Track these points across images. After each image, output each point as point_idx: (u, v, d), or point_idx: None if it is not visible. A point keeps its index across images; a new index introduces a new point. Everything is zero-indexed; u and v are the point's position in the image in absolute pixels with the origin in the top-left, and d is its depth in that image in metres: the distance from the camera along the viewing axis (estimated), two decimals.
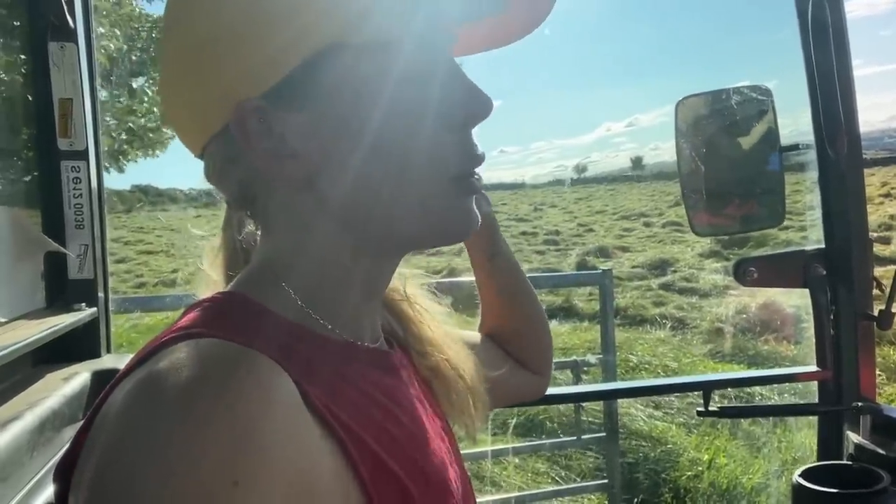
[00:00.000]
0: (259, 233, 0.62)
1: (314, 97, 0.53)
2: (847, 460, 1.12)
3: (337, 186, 0.55)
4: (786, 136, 1.17)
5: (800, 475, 1.02)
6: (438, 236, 0.60)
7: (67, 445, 0.48)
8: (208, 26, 0.54)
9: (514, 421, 4.15)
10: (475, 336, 0.95)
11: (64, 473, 0.46)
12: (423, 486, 0.54)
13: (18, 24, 1.26)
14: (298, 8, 0.51)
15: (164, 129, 9.12)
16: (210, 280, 0.66)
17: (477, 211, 0.60)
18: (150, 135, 9.03)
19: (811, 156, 1.19)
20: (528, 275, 1.01)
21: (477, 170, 0.59)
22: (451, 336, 0.76)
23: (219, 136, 0.56)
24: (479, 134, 0.60)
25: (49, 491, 0.85)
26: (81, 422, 0.49)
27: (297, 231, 0.58)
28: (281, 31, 0.51)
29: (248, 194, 0.59)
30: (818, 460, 1.18)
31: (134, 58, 8.73)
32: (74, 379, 1.11)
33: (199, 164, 0.61)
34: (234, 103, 0.53)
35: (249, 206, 0.60)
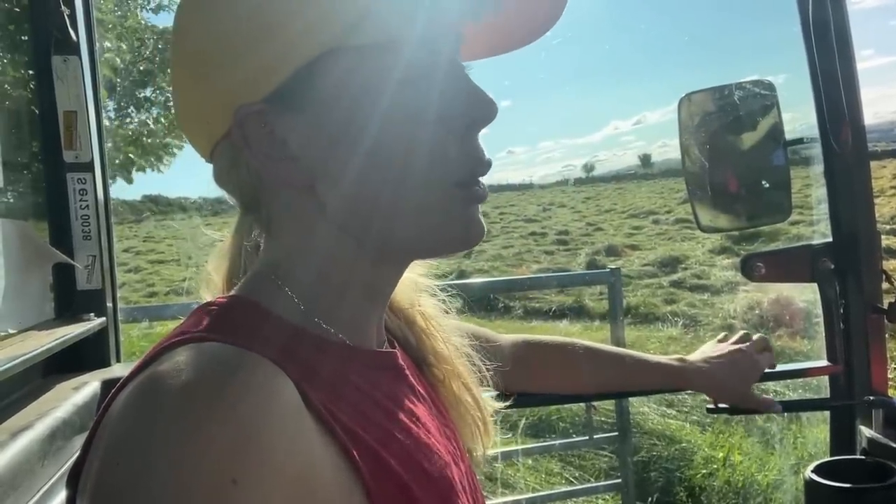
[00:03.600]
0: (263, 237, 0.63)
1: (313, 101, 0.53)
2: (860, 455, 1.11)
3: (336, 191, 0.55)
4: (798, 129, 1.15)
5: (812, 470, 1.01)
6: (440, 246, 0.59)
7: (78, 452, 0.48)
8: (209, 34, 0.55)
9: (524, 422, 4.14)
10: (495, 336, 0.97)
11: (75, 479, 0.47)
12: (426, 485, 0.54)
13: (22, 38, 1.28)
14: (294, 14, 0.51)
15: (171, 140, 9.20)
16: (212, 283, 0.67)
17: (482, 220, 0.59)
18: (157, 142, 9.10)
19: (818, 149, 1.18)
20: (536, 275, 1.02)
21: (482, 178, 0.58)
22: (460, 350, 0.76)
23: (224, 139, 0.57)
24: (487, 134, 0.58)
25: (59, 498, 0.86)
26: None
27: (298, 235, 0.58)
28: (277, 38, 0.52)
29: (254, 198, 0.59)
30: (831, 455, 1.17)
31: (141, 68, 8.80)
32: (84, 388, 1.13)
33: (206, 174, 0.62)
34: (235, 108, 0.54)
35: (255, 210, 0.61)
